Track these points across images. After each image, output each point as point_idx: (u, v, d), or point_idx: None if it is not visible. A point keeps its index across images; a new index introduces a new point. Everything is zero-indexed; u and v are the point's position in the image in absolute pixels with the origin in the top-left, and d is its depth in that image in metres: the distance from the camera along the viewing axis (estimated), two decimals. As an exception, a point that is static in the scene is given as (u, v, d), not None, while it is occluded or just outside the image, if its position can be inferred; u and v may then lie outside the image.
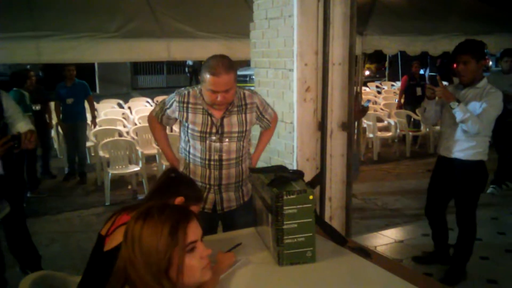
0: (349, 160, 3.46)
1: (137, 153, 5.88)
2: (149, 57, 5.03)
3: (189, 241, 1.23)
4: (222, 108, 2.41)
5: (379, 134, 7.74)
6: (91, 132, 6.63)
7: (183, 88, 2.54)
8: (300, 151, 3.32)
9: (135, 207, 1.74)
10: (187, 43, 4.91)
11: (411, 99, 8.30)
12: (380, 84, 14.32)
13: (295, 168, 3.27)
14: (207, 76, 2.28)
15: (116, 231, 1.68)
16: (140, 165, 5.71)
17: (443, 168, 3.44)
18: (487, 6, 7.33)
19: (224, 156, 2.45)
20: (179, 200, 1.81)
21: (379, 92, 12.22)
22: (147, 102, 10.02)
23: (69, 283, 1.93)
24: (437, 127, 6.26)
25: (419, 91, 8.13)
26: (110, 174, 5.44)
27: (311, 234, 1.85)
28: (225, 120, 2.43)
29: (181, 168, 2.57)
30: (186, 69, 20.79)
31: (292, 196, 1.79)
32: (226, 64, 2.28)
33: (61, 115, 6.22)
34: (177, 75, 21.13)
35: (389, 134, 8.02)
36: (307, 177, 2.09)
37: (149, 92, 15.04)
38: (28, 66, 8.63)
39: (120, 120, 7.79)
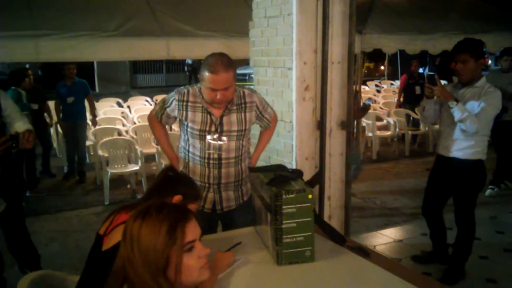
0: (348, 159, 3.46)
1: (136, 152, 5.88)
2: (148, 56, 5.02)
3: (187, 241, 1.23)
4: (221, 107, 2.41)
5: (378, 133, 7.74)
6: (90, 131, 6.62)
7: (182, 87, 2.54)
8: (299, 150, 3.32)
9: (133, 206, 1.74)
10: (186, 42, 4.91)
11: (410, 98, 8.30)
12: (380, 83, 14.32)
13: (294, 167, 3.27)
14: (206, 74, 2.28)
15: (114, 230, 1.68)
16: (139, 164, 5.71)
17: (441, 167, 3.44)
18: (487, 5, 7.31)
19: (223, 155, 2.45)
20: (176, 198, 1.81)
21: (378, 91, 12.22)
22: (146, 101, 10.00)
23: (68, 283, 1.93)
24: (437, 126, 6.26)
25: (418, 89, 8.14)
26: (109, 173, 5.43)
27: (310, 233, 1.85)
28: (225, 119, 2.43)
29: (180, 167, 2.57)
30: (185, 68, 20.77)
31: (291, 195, 1.79)
32: (225, 62, 2.28)
33: (61, 114, 6.22)
34: (176, 74, 21.12)
35: (388, 133, 8.02)
36: (306, 176, 2.09)
37: (148, 91, 15.01)
38: (27, 65, 8.61)
39: (119, 119, 7.78)
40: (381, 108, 9.13)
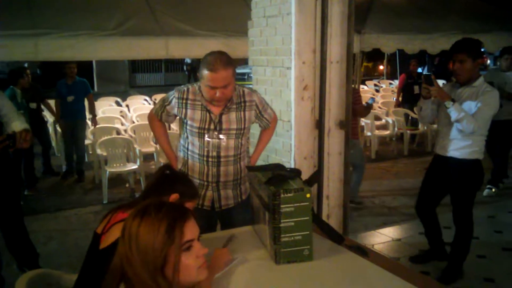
0: (347, 159, 3.46)
1: (135, 151, 5.88)
2: (147, 55, 5.03)
3: (185, 240, 1.23)
4: (221, 105, 2.42)
5: (377, 132, 7.74)
6: (89, 130, 6.62)
7: (182, 85, 2.55)
8: (297, 150, 3.32)
9: (130, 205, 1.74)
10: (185, 41, 4.91)
11: (409, 97, 8.30)
12: (378, 82, 14.33)
13: (292, 166, 3.27)
14: (205, 72, 2.28)
15: (112, 228, 1.68)
16: (138, 163, 5.70)
17: (438, 167, 3.44)
18: (486, 4, 7.32)
19: (222, 153, 2.45)
20: (174, 197, 1.81)
21: (377, 91, 12.23)
22: (145, 100, 10.00)
23: (66, 281, 1.93)
24: (435, 126, 6.26)
25: (417, 89, 8.13)
26: (108, 172, 5.43)
27: (308, 232, 1.85)
28: (224, 117, 2.44)
29: (179, 165, 2.58)
30: (184, 67, 20.72)
31: (289, 194, 1.79)
32: (224, 60, 2.29)
33: (60, 113, 6.21)
34: (175, 73, 21.09)
35: (387, 132, 8.02)
36: (305, 175, 2.09)
37: (147, 90, 15.00)
38: (26, 64, 8.61)
39: (118, 118, 7.77)
40: (379, 107, 9.13)
